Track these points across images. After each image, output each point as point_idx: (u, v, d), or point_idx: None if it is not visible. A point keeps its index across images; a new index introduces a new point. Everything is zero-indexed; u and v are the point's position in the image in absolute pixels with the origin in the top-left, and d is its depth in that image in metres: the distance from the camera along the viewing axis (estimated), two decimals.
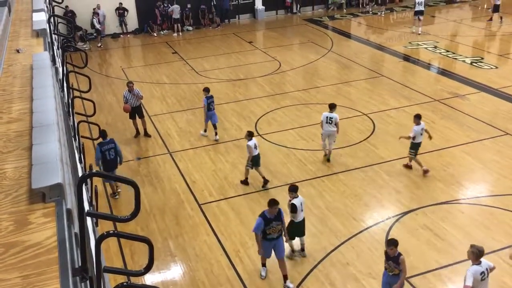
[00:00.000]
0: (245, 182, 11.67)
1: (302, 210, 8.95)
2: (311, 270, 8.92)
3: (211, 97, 13.69)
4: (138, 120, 14.26)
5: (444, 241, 9.51)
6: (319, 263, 9.09)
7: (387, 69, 19.56)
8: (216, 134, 13.86)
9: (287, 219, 8.91)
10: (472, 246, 7.18)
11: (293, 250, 9.28)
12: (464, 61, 20.03)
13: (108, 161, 10.98)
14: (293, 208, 8.84)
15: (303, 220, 9.10)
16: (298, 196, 8.95)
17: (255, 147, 11.30)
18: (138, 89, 14.12)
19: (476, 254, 7.05)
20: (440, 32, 24.07)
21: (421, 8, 23.69)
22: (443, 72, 19.00)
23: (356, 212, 10.53)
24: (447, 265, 8.93)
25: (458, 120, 14.59)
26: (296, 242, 9.31)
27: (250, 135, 11.34)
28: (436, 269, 8.83)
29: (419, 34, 23.78)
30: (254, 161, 11.41)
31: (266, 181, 11.51)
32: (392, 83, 17.86)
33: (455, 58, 20.49)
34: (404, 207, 10.62)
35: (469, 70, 18.95)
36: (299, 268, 8.97)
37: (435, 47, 22.11)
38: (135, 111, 14.08)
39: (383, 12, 28.73)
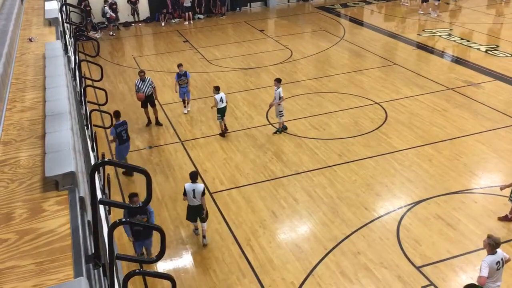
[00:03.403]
0: (221, 134, 13.49)
1: (194, 197, 9.14)
2: (322, 259, 8.93)
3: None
4: (150, 109, 14.30)
5: (457, 231, 9.45)
6: (330, 252, 9.10)
7: (400, 57, 19.34)
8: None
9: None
10: (489, 236, 7.13)
11: (196, 228, 9.75)
12: (479, 49, 19.73)
13: (123, 141, 11.68)
14: (184, 191, 9.20)
15: (198, 206, 9.26)
16: (196, 183, 9.22)
17: (221, 100, 13.16)
18: (150, 78, 14.14)
19: (493, 245, 7.00)
20: (455, 20, 23.70)
21: None
22: (457, 60, 18.75)
23: (367, 201, 10.50)
24: (459, 255, 8.88)
25: (472, 109, 14.41)
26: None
27: (217, 89, 13.29)
28: (448, 258, 8.79)
29: (436, 17, 23.55)
30: (221, 113, 13.27)
31: (225, 130, 13.49)
32: (405, 71, 17.67)
33: (470, 46, 20.19)
34: (416, 197, 10.56)
35: (484, 58, 18.66)
36: (310, 257, 8.99)
37: (450, 34, 21.79)
38: (147, 100, 14.12)
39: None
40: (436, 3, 23.86)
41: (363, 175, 11.42)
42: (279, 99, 13.03)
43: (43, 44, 6.76)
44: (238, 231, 9.77)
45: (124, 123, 11.70)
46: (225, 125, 13.60)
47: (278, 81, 13.13)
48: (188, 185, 9.18)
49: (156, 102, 14.42)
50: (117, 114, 11.59)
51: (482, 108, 14.44)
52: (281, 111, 13.24)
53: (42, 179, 3.43)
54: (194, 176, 9.25)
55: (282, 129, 13.53)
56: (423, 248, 9.03)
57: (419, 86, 16.24)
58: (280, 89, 13.04)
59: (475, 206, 10.19)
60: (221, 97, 13.21)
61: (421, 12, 24.65)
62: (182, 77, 14.78)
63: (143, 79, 13.80)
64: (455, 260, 8.74)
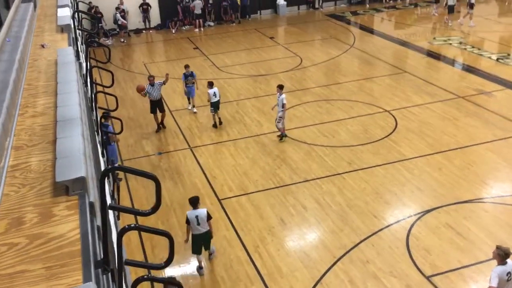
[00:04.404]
0: (214, 125, 14.38)
1: (198, 224, 8.48)
2: (331, 267, 8.87)
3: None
4: (159, 114, 14.43)
5: (467, 240, 9.35)
6: (338, 260, 9.04)
7: (411, 65, 19.27)
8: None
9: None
10: (498, 247, 7.04)
11: (200, 267, 8.87)
12: (490, 57, 19.60)
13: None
14: (186, 219, 8.53)
15: (204, 233, 8.63)
16: (198, 208, 8.52)
17: (214, 94, 14.02)
18: (159, 82, 14.28)
19: (502, 256, 6.91)
20: (466, 28, 23.60)
21: (452, 3, 23.65)
22: (468, 69, 18.64)
23: (376, 209, 10.44)
24: (470, 264, 8.78)
25: (483, 118, 14.30)
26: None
27: (210, 84, 14.20)
28: (458, 268, 8.69)
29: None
30: (214, 106, 14.14)
31: (219, 123, 14.36)
32: (415, 79, 17.60)
33: (481, 54, 20.07)
34: (426, 205, 10.47)
35: (495, 67, 18.53)
36: (318, 265, 8.94)
37: (460, 43, 21.69)
38: (156, 105, 14.28)
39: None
40: (470, 11, 23.58)
41: (372, 183, 11.36)
42: (282, 106, 12.97)
43: (55, 50, 6.84)
44: (246, 238, 9.75)
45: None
46: (219, 118, 14.43)
47: (280, 87, 13.06)
48: (190, 213, 8.48)
49: (165, 107, 14.52)
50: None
51: (493, 116, 14.32)
52: (281, 118, 13.12)
53: (52, 184, 3.46)
54: (195, 202, 8.52)
55: (282, 135, 13.41)
56: (433, 258, 8.94)
57: (430, 94, 16.16)
58: (283, 95, 13.01)
59: (486, 216, 10.08)
60: (214, 92, 14.06)
61: (450, 24, 24.39)
62: (188, 77, 15.36)
63: (152, 84, 14.00)
64: (466, 270, 8.64)
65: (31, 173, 3.66)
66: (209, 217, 8.56)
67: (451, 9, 23.81)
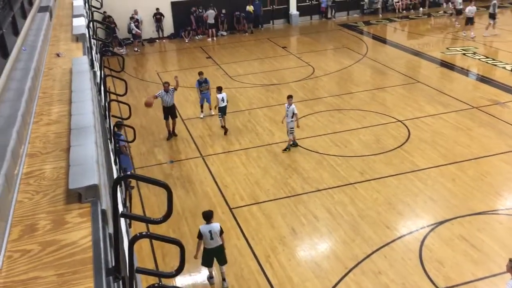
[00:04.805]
0: (223, 127, 14.62)
1: (212, 239, 8.37)
2: (342, 278, 8.79)
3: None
4: (170, 121, 14.58)
5: (481, 253, 9.21)
6: (350, 271, 8.96)
7: (424, 75, 19.18)
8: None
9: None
10: (511, 260, 6.93)
11: (211, 276, 8.86)
12: (504, 67, 19.42)
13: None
14: (199, 234, 8.44)
15: (217, 247, 8.52)
16: (211, 223, 8.44)
17: (222, 100, 14.31)
18: (172, 88, 14.41)
19: None
20: (480, 38, 23.44)
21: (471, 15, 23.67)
22: (482, 79, 18.49)
23: (389, 220, 10.34)
24: (484, 277, 8.64)
25: (497, 128, 14.14)
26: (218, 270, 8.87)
27: (219, 89, 14.59)
28: (472, 281, 8.56)
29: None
30: (222, 111, 14.44)
31: (224, 132, 14.52)
32: (428, 89, 17.50)
33: (495, 65, 19.90)
34: (439, 217, 10.36)
35: (509, 77, 18.35)
36: (329, 276, 8.86)
37: (474, 53, 21.54)
38: (169, 112, 14.44)
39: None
40: (492, 22, 23.44)
41: (384, 193, 11.27)
42: (292, 116, 12.96)
43: (70, 59, 6.93)
44: (257, 247, 9.71)
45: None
46: (225, 127, 14.68)
47: (290, 97, 13.10)
48: (204, 227, 8.38)
49: (178, 115, 14.62)
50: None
51: (508, 127, 14.16)
52: (292, 128, 13.14)
53: (65, 191, 3.49)
54: (208, 216, 8.42)
55: (292, 145, 13.44)
56: (446, 270, 8.82)
57: (443, 104, 16.04)
58: (293, 106, 13.00)
59: (500, 228, 9.94)
60: (223, 97, 14.40)
61: (464, 34, 24.25)
62: (203, 84, 15.59)
63: (166, 90, 14.18)
64: (480, 283, 8.51)
65: (45, 180, 3.70)
66: (221, 231, 8.46)
67: (469, 21, 23.72)
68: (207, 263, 8.68)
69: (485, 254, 9.17)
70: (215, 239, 8.39)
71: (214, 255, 8.61)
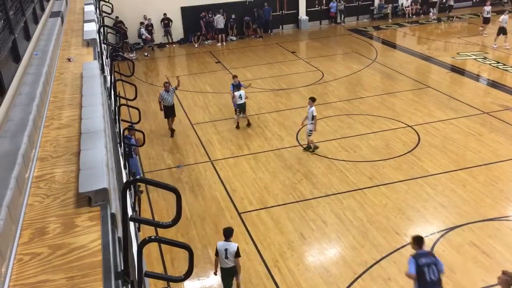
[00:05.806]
0: (237, 126, 15.20)
1: (226, 257, 8.11)
2: (351, 284, 8.74)
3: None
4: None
5: (492, 259, 9.11)
6: (359, 277, 8.90)
7: (434, 80, 19.08)
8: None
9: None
10: (504, 273, 6.70)
11: None
12: None
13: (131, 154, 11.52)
14: (216, 251, 8.20)
15: (231, 268, 8.23)
16: (229, 241, 8.17)
17: (240, 97, 14.81)
18: (172, 88, 14.94)
19: (510, 283, 6.62)
20: (490, 43, 23.28)
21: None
22: (493, 84, 18.35)
23: (398, 226, 10.27)
24: (495, 284, 8.50)
25: (508, 134, 14.01)
26: None
27: (237, 87, 15.01)
28: None
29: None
30: (241, 108, 15.00)
31: (247, 124, 15.15)
32: (438, 94, 17.40)
33: (506, 70, 19.75)
34: (449, 223, 10.27)
35: None
36: (338, 281, 8.81)
37: (485, 58, 21.40)
38: (171, 111, 15.05)
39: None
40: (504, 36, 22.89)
41: (394, 199, 11.20)
42: (312, 118, 13.02)
43: (81, 64, 6.98)
44: (266, 252, 9.69)
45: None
46: (248, 120, 15.26)
47: (312, 100, 13.19)
48: (221, 244, 8.14)
49: (187, 121, 14.73)
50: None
51: None
52: (311, 131, 13.23)
53: (75, 195, 3.51)
54: (228, 233, 8.16)
55: (314, 148, 13.48)
56: (457, 276, 8.73)
57: (453, 109, 15.94)
58: (313, 108, 13.04)
59: None
60: (240, 94, 14.86)
61: (485, 34, 24.12)
62: (235, 88, 15.54)
63: (167, 90, 14.53)
64: None
65: (55, 184, 3.72)
66: (238, 253, 8.10)
67: (486, 20, 24.33)
68: (225, 284, 8.42)
69: (496, 260, 9.07)
70: (229, 258, 8.09)
71: (229, 276, 8.33)
